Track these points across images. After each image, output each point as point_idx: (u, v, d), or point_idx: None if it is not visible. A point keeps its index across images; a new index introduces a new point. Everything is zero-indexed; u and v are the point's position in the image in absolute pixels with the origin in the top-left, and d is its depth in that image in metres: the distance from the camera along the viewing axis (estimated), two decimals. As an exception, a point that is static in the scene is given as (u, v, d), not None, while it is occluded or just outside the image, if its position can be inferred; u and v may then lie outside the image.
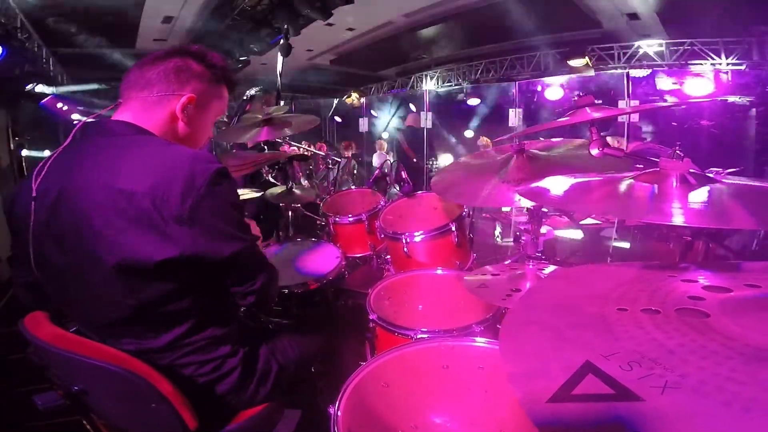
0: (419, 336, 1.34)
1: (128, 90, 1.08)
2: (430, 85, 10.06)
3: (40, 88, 6.25)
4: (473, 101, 8.81)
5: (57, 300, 1.05)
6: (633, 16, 6.69)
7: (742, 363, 0.44)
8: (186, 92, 1.09)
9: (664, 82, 6.40)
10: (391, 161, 4.50)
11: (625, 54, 7.37)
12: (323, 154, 4.27)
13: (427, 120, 7.50)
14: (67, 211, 0.94)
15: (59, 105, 6.90)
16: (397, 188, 2.55)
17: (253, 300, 1.07)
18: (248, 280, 1.05)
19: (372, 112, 9.72)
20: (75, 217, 0.93)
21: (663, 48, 7.02)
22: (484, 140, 6.66)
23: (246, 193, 2.60)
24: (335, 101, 10.21)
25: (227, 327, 1.10)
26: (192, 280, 0.99)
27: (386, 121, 10.04)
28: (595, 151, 1.11)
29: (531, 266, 1.42)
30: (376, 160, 7.91)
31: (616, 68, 7.22)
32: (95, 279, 0.95)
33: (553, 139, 1.62)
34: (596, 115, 1.12)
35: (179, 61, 1.10)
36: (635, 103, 5.94)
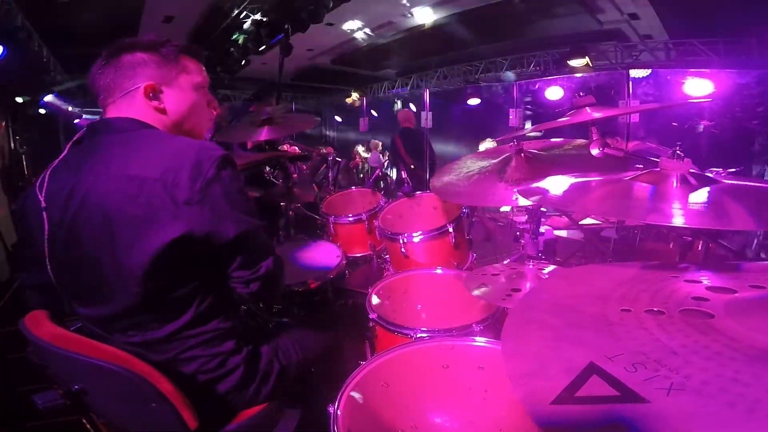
0: (419, 335, 1.34)
1: (104, 98, 1.10)
2: (431, 86, 10.04)
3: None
4: (473, 101, 8.80)
5: (68, 295, 1.06)
6: (633, 15, 6.67)
7: (747, 364, 0.43)
8: (140, 83, 1.09)
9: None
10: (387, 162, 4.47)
11: (625, 54, 7.36)
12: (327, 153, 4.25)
13: (428, 120, 7.43)
14: (79, 204, 0.97)
15: (60, 104, 6.89)
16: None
17: (257, 288, 1.06)
18: (253, 264, 1.05)
19: (372, 111, 9.70)
20: (88, 209, 0.96)
21: (663, 48, 7.00)
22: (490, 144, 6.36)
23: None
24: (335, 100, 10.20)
25: (231, 321, 1.10)
26: (198, 265, 1.00)
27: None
28: (595, 151, 1.11)
29: (531, 266, 1.42)
30: (372, 160, 7.85)
31: (616, 68, 7.20)
32: (108, 267, 0.97)
33: (553, 140, 1.62)
34: (596, 115, 1.12)
35: (127, 57, 1.10)
36: (635, 103, 5.93)
